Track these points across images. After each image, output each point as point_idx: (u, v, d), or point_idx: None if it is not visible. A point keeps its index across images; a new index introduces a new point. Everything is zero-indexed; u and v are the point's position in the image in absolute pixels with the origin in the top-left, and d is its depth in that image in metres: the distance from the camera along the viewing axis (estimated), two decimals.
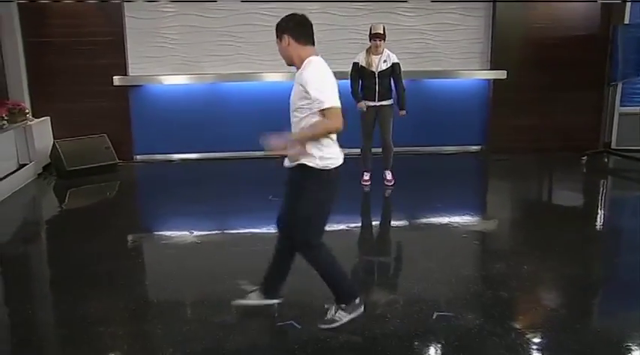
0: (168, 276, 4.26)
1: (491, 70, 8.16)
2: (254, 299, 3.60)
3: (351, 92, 6.31)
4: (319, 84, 3.14)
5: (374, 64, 6.25)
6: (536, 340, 3.31)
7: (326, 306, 3.47)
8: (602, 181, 7.50)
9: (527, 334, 3.36)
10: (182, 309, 3.71)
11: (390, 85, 6.34)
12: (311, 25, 3.32)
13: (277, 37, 3.31)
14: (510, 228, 5.49)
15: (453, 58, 8.16)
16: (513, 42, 8.05)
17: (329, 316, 3.41)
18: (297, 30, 3.27)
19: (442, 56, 8.09)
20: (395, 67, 6.28)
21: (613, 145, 8.19)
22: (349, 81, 6.28)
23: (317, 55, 3.29)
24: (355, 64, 6.35)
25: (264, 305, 3.59)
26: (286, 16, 3.33)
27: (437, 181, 7.01)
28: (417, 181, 6.68)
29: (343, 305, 3.41)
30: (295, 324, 3.47)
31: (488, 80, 8.24)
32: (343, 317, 3.39)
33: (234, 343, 3.26)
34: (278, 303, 3.61)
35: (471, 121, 8.36)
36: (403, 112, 6.37)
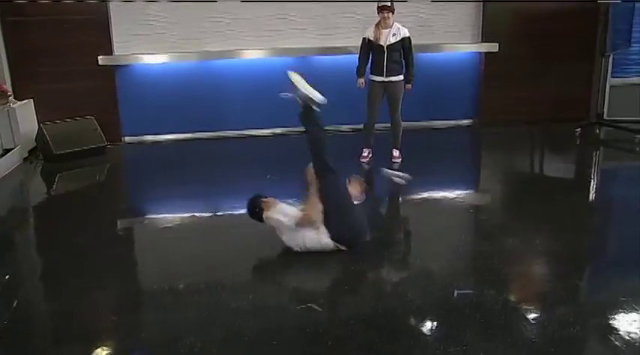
0: (172, 261, 4.12)
1: (482, 42, 8.09)
2: None
3: (356, 67, 6.28)
4: None
5: (382, 38, 6.13)
6: (561, 313, 3.26)
7: None
8: (595, 152, 7.51)
9: (550, 308, 3.32)
10: (196, 295, 3.58)
11: (401, 60, 6.22)
12: None
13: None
14: (516, 203, 5.42)
15: (445, 31, 8.05)
16: (505, 14, 7.95)
17: None
18: None
19: (434, 29, 7.97)
20: (405, 40, 6.16)
21: (605, 116, 8.20)
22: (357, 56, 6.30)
23: None
24: (363, 39, 6.26)
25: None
26: None
27: (435, 156, 6.93)
28: (417, 157, 6.60)
29: None
30: (316, 307, 3.39)
31: (480, 53, 8.16)
32: None
33: (255, 328, 3.16)
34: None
35: (463, 95, 8.30)
36: (409, 86, 6.28)
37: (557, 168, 6.70)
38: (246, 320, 3.24)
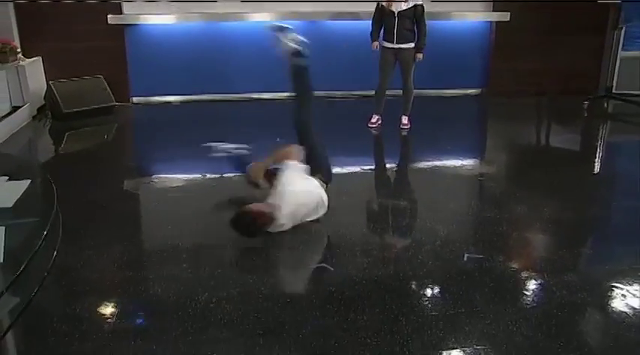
0: (182, 219, 4.15)
1: (494, 11, 8.01)
2: None
3: (370, 32, 6.28)
4: None
5: (394, 4, 6.08)
6: (569, 280, 3.32)
7: None
8: (603, 125, 7.52)
9: (557, 275, 3.37)
10: (209, 253, 3.63)
11: (412, 28, 6.18)
12: None
13: None
14: (524, 172, 5.45)
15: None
16: None
17: None
18: None
19: None
20: (417, 8, 6.12)
21: (614, 90, 8.17)
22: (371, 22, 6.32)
23: None
24: (377, 5, 6.25)
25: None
26: None
27: (443, 124, 6.93)
28: (424, 124, 6.61)
29: None
30: (328, 266, 3.45)
31: (491, 22, 8.09)
32: None
33: (268, 287, 3.22)
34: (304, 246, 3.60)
35: (472, 64, 8.25)
36: (420, 56, 6.25)
37: (564, 139, 6.70)
38: (260, 278, 3.30)
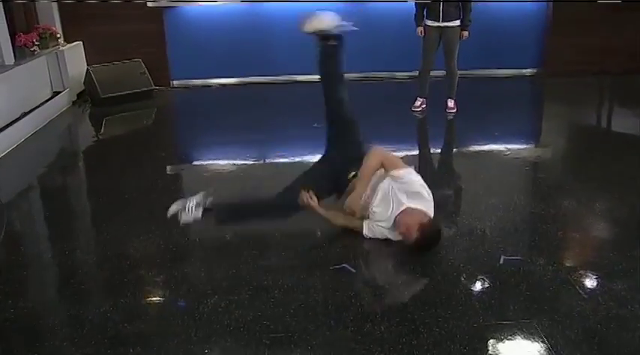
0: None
1: None
2: None
3: (414, 14, 5.97)
4: None
5: None
6: (619, 288, 2.95)
7: None
8: None
9: (606, 282, 3.01)
10: (227, 252, 3.45)
11: (458, 4, 5.79)
12: None
13: None
14: (576, 161, 5.04)
15: None
16: None
17: None
18: None
19: None
20: None
21: None
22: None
23: None
24: None
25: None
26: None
27: (494, 108, 6.52)
28: (473, 108, 6.23)
29: None
30: (349, 267, 3.20)
31: None
32: None
33: (282, 290, 3.00)
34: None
35: (527, 42, 7.77)
36: (465, 33, 5.86)
37: (628, 123, 6.17)
38: (275, 278, 3.08)
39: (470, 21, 5.82)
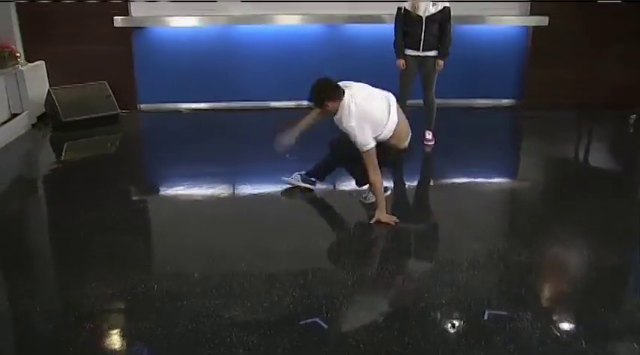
0: (185, 248, 3.75)
1: (531, 15, 7.35)
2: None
3: (393, 43, 5.76)
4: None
5: (421, 7, 5.52)
6: (615, 349, 2.73)
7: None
8: None
9: (601, 342, 2.78)
10: (186, 299, 3.15)
11: (438, 33, 5.61)
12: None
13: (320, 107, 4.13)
14: (561, 200, 4.77)
15: (488, 0, 7.33)
16: None
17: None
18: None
19: None
20: (445, 11, 5.56)
21: None
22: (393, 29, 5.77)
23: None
24: (399, 10, 5.68)
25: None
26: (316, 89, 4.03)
27: (472, 140, 6.29)
28: (451, 140, 6.03)
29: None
30: (321, 322, 2.92)
31: (527, 27, 7.43)
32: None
33: (248, 345, 2.71)
34: None
35: (505, 72, 7.58)
36: (441, 63, 5.67)
37: (607, 159, 6.04)
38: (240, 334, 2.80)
39: (448, 52, 5.65)
